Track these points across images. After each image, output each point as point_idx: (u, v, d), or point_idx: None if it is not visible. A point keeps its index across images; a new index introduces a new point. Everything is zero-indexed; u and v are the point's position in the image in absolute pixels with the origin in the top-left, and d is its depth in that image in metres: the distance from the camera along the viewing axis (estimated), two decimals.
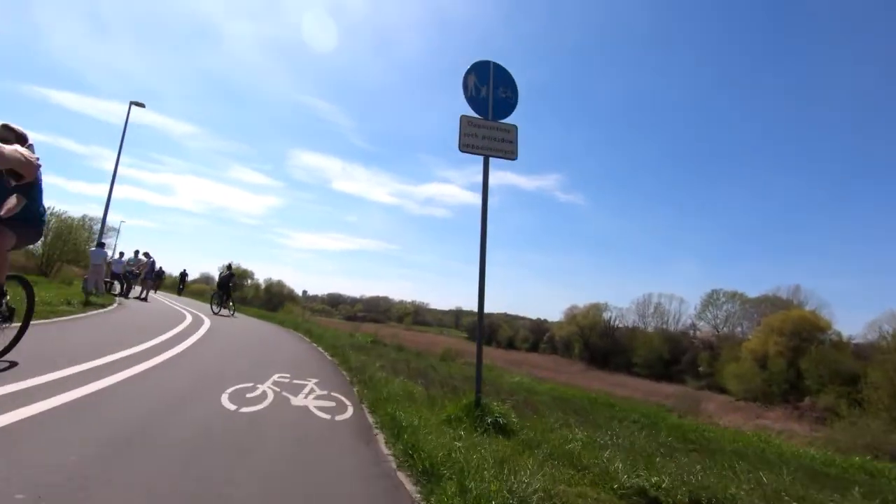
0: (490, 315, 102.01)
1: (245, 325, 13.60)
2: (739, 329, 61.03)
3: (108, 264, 17.14)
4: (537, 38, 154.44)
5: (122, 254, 18.24)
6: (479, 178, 4.93)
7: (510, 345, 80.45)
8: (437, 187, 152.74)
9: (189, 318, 11.64)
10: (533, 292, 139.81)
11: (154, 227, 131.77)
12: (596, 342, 67.88)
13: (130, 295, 17.00)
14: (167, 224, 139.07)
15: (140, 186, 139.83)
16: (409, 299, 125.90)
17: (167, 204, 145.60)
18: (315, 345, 10.55)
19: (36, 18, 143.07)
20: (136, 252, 18.46)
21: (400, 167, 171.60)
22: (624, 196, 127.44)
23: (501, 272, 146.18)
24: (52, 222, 22.31)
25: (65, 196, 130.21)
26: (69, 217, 25.03)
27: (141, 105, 15.49)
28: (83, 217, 36.01)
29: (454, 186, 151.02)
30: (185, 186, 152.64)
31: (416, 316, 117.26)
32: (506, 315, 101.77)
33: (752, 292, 63.01)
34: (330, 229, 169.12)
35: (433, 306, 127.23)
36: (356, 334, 17.75)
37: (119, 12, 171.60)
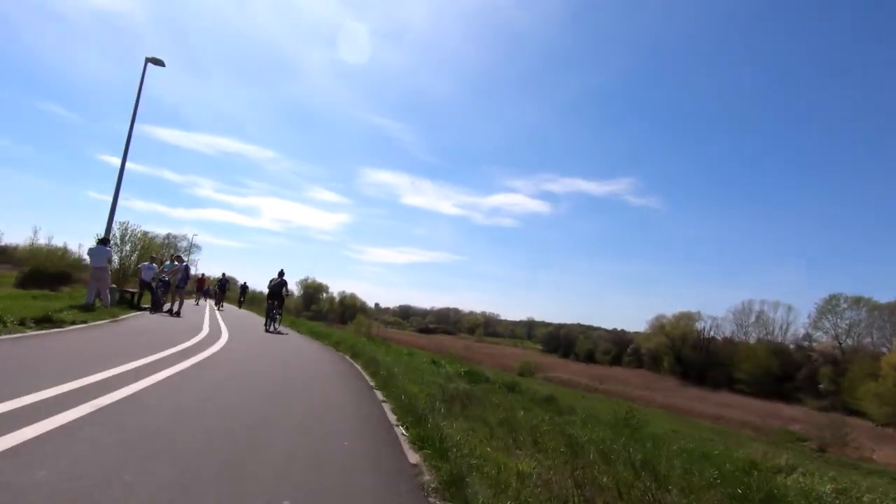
0: (564, 325, 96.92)
1: (276, 352, 9.26)
2: (869, 340, 52.10)
3: (138, 270, 16.37)
4: (609, 37, 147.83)
5: (152, 258, 15.58)
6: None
7: (590, 357, 75.00)
8: (504, 197, 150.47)
9: (193, 342, 8.00)
10: (607, 301, 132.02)
11: (242, 246, 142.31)
12: (689, 355, 61.19)
13: (163, 308, 13.77)
14: (254, 244, 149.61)
15: (230, 209, 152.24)
16: (478, 310, 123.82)
17: (253, 225, 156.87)
18: (378, 393, 6.05)
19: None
20: (172, 258, 16.30)
21: (466, 179, 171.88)
22: (709, 196, 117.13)
23: (572, 281, 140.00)
24: (128, 236, 22.99)
25: (166, 221, 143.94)
26: (155, 235, 26.03)
27: (161, 63, 14.03)
28: (167, 235, 38.08)
29: (521, 196, 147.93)
30: (268, 207, 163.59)
31: (487, 327, 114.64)
32: (580, 325, 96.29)
33: (882, 297, 53.62)
34: (399, 243, 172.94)
35: (503, 317, 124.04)
36: (441, 361, 13.78)
37: (211, 54, 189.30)
